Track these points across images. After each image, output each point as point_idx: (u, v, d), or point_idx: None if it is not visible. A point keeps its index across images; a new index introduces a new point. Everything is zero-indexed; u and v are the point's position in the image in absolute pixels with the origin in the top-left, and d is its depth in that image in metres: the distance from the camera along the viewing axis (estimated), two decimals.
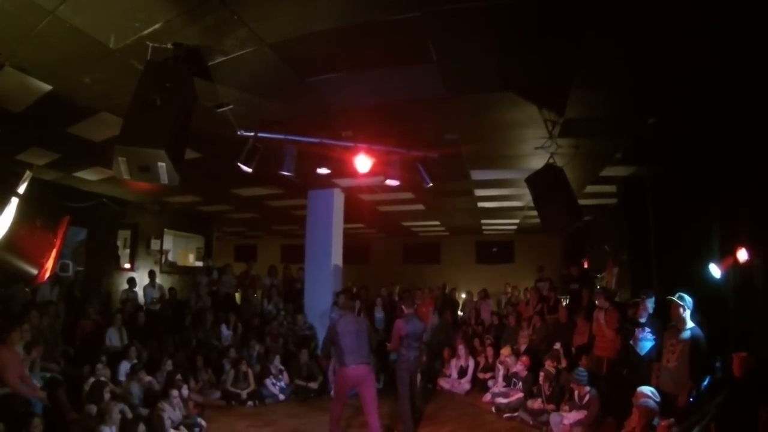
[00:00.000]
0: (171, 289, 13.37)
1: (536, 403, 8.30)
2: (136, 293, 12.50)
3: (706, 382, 6.20)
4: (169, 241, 17.07)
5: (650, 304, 7.30)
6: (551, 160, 7.23)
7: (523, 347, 10.36)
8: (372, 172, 7.38)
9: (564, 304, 11.53)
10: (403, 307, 8.23)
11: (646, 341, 7.02)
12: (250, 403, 9.33)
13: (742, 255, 6.66)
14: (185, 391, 7.97)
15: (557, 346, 9.07)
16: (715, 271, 7.13)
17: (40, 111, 6.78)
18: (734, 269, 7.00)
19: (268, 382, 9.81)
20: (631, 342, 7.18)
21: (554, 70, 5.54)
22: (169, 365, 8.64)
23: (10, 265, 6.01)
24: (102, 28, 4.74)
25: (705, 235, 7.84)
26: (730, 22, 4.39)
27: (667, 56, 5.06)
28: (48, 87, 6.11)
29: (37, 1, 4.27)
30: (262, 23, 4.69)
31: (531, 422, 8.20)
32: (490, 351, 10.83)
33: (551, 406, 7.92)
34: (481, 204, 13.29)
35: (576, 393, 7.61)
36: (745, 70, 5.24)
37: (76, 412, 6.90)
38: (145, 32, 4.75)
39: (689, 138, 7.47)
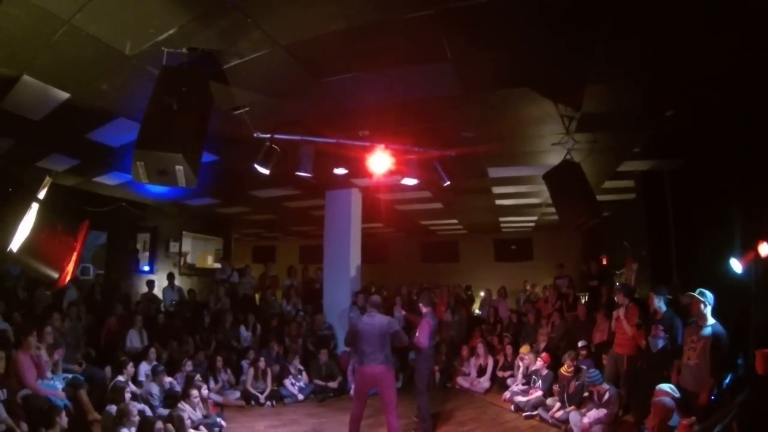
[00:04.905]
0: (190, 290, 13.47)
1: (555, 408, 8.22)
2: (155, 295, 12.62)
3: (727, 380, 6.12)
4: (187, 244, 17.21)
5: (658, 301, 7.24)
6: (568, 156, 7.19)
7: (542, 345, 10.32)
8: (389, 172, 7.37)
9: (583, 301, 11.46)
10: (421, 305, 8.20)
11: (659, 339, 6.96)
12: (269, 403, 9.36)
13: (764, 249, 6.54)
14: (205, 392, 8.04)
15: (582, 343, 8.98)
16: (736, 266, 7.02)
17: (58, 118, 6.89)
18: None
19: (288, 382, 9.85)
20: (649, 338, 7.13)
21: (570, 64, 5.51)
22: (188, 366, 8.72)
23: (31, 269, 6.08)
24: (117, 35, 4.81)
25: (726, 229, 7.72)
26: (751, 13, 4.34)
27: (685, 47, 5.02)
28: (66, 95, 6.21)
29: (53, 10, 4.34)
30: (275, 25, 4.72)
31: (550, 421, 8.15)
32: (509, 349, 10.78)
33: (571, 408, 7.85)
34: (498, 201, 13.25)
35: (596, 392, 7.56)
36: (764, 61, 5.17)
37: (99, 413, 7.01)
38: (160, 38, 4.81)
39: (709, 130, 7.38)
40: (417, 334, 7.80)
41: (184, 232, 16.61)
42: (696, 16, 4.45)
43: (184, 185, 4.79)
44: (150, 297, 12.39)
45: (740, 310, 6.82)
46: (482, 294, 16.33)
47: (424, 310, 8.02)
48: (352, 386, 9.02)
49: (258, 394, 9.43)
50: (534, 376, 9.33)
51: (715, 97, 6.20)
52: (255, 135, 6.71)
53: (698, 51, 5.07)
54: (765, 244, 6.47)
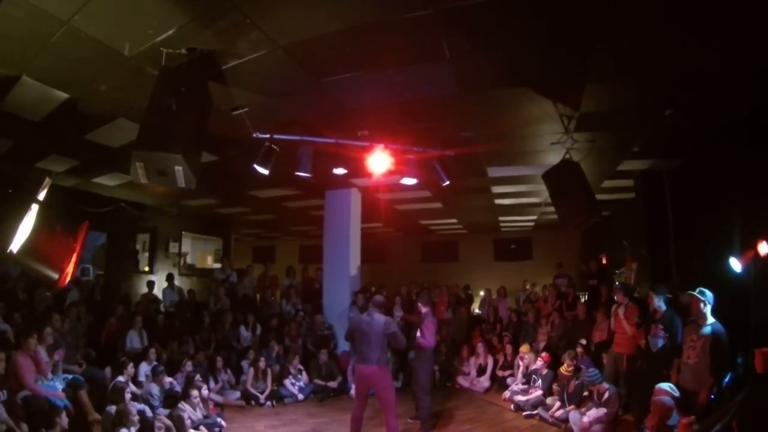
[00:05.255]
0: (190, 291, 13.46)
1: (555, 407, 8.23)
2: (155, 296, 12.63)
3: (727, 379, 6.12)
4: (187, 244, 17.22)
5: (657, 301, 7.24)
6: (567, 155, 7.19)
7: (541, 344, 10.33)
8: (389, 171, 7.37)
9: (583, 300, 11.46)
10: (419, 304, 8.21)
11: (658, 338, 6.97)
12: (269, 403, 9.37)
13: (764, 248, 6.54)
14: (205, 392, 8.05)
15: (583, 341, 8.99)
16: (735, 265, 7.02)
17: (58, 119, 6.90)
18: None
19: (288, 382, 9.85)
20: (648, 338, 7.14)
21: (568, 64, 5.51)
22: (188, 366, 8.74)
23: (31, 270, 6.10)
24: (116, 36, 4.81)
25: (725, 228, 7.73)
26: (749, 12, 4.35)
27: (683, 46, 5.02)
28: (65, 95, 6.22)
29: (52, 12, 4.34)
30: (274, 26, 4.73)
31: (550, 420, 8.15)
32: (509, 348, 10.78)
33: (571, 407, 7.85)
34: (498, 201, 13.25)
35: (595, 391, 7.57)
36: (763, 59, 5.18)
37: (99, 414, 7.02)
38: (159, 39, 4.81)
39: (708, 129, 7.39)
40: (419, 334, 7.82)
41: (183, 232, 16.63)
42: (696, 17, 4.45)
43: (183, 186, 4.80)
44: (150, 298, 12.42)
45: (740, 309, 6.82)
46: (482, 293, 16.35)
47: (424, 310, 8.02)
48: (352, 386, 9.04)
49: (258, 394, 9.43)
50: (534, 376, 9.34)
51: (715, 96, 6.21)
52: (254, 135, 6.72)
53: (697, 50, 5.08)
54: (764, 243, 6.47)
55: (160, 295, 12.93)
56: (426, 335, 7.74)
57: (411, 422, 8.00)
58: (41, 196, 5.79)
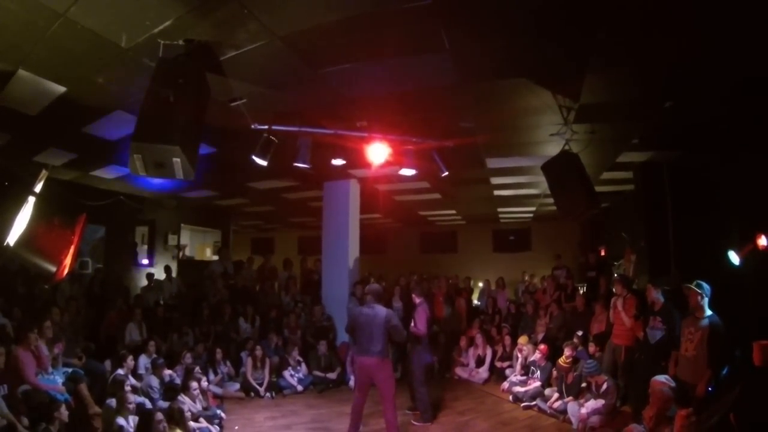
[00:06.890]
0: (190, 283, 13.43)
1: (553, 399, 8.25)
2: (154, 288, 12.62)
3: (725, 372, 6.13)
4: (186, 236, 17.19)
5: (656, 293, 7.25)
6: (567, 147, 7.18)
7: (540, 336, 10.35)
8: (387, 162, 7.36)
9: (581, 292, 11.47)
10: (414, 295, 8.26)
11: (656, 330, 6.98)
12: (268, 394, 9.40)
13: (762, 241, 6.56)
14: (205, 384, 8.07)
15: (580, 333, 9.01)
16: (734, 257, 7.03)
17: (55, 112, 6.85)
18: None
19: (287, 373, 9.88)
20: (647, 330, 7.15)
21: (568, 55, 5.49)
22: (188, 358, 8.75)
23: (29, 263, 6.11)
24: (113, 28, 4.77)
25: (724, 221, 7.74)
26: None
27: (682, 38, 4.99)
28: (62, 89, 6.17)
29: (48, 4, 4.30)
30: (272, 16, 4.69)
31: (548, 411, 8.18)
32: (507, 340, 10.80)
33: (569, 399, 7.87)
34: (497, 192, 13.24)
35: (593, 383, 7.59)
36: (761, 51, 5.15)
37: (99, 407, 7.03)
38: (156, 30, 4.77)
39: (707, 121, 7.37)
40: (413, 324, 7.84)
41: (182, 224, 16.59)
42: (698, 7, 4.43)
43: (181, 177, 4.79)
44: (151, 286, 12.48)
45: (738, 302, 6.84)
46: (480, 285, 16.36)
47: (418, 300, 8.07)
48: (351, 377, 9.05)
49: (257, 386, 9.46)
50: (532, 367, 9.37)
51: (715, 88, 6.18)
52: (253, 126, 6.70)
53: (698, 42, 5.05)
54: (763, 236, 6.48)
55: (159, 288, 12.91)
56: (418, 324, 7.78)
57: (409, 413, 8.02)
58: (38, 188, 5.80)
